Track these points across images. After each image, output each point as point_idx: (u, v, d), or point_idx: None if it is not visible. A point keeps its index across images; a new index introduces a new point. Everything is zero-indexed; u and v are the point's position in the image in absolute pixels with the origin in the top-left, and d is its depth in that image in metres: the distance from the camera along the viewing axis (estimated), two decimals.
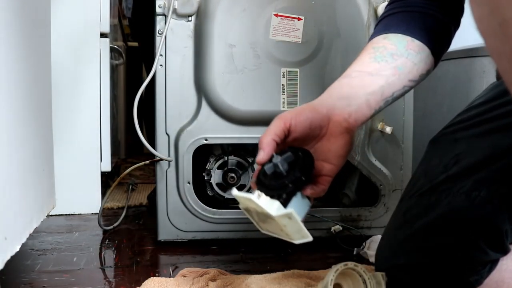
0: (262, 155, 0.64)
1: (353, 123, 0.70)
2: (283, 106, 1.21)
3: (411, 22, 0.77)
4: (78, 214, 1.60)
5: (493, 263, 0.75)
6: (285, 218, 0.60)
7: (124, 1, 2.15)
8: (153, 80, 1.21)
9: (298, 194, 0.64)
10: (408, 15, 0.78)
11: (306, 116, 0.67)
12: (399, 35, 0.76)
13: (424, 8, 0.78)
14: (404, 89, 0.76)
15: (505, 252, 0.74)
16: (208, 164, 1.29)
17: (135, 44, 2.50)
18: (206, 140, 1.22)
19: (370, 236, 1.20)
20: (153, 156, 1.23)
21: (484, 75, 1.43)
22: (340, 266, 0.75)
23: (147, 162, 1.28)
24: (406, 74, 0.74)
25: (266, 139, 0.65)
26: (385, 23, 0.80)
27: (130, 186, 1.66)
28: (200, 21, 1.20)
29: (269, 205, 0.60)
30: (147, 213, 1.62)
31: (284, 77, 1.21)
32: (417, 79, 0.77)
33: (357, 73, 0.73)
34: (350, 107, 0.70)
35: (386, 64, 0.73)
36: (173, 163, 1.23)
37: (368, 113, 0.72)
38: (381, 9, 1.20)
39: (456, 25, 0.80)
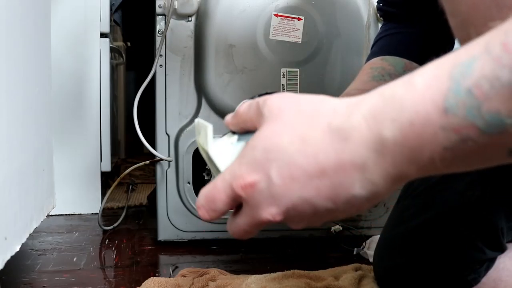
0: None
1: None
2: None
3: (409, 45, 0.77)
4: (78, 214, 1.60)
5: (490, 262, 0.75)
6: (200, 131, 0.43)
7: None
8: (153, 80, 1.21)
9: None
10: (406, 38, 0.78)
11: None
12: (397, 57, 0.76)
13: (420, 30, 0.77)
14: None
15: (502, 250, 0.75)
16: None
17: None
18: None
19: (370, 236, 1.20)
20: (153, 156, 1.23)
21: None
22: None
23: (147, 162, 1.28)
24: None
25: None
26: (382, 45, 0.80)
27: (130, 186, 1.66)
28: (200, 21, 1.20)
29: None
30: (147, 213, 1.62)
31: (284, 77, 1.21)
32: None
33: (356, 91, 0.73)
34: None
35: (384, 83, 0.73)
36: (173, 163, 1.23)
37: None
38: None
39: (451, 47, 0.80)
